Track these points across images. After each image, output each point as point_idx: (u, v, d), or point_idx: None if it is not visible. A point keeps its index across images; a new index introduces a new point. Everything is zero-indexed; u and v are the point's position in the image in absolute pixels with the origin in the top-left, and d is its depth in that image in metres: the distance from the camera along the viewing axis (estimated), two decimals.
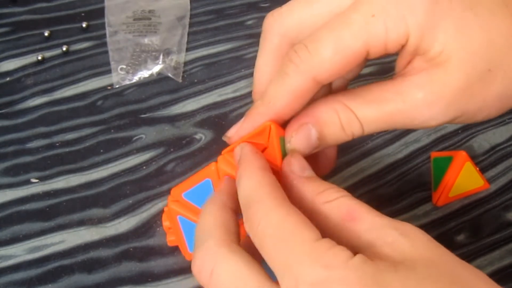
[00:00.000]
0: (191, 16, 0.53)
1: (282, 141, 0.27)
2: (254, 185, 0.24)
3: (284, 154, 0.27)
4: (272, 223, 0.22)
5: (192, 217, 0.32)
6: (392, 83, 0.25)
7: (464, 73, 0.23)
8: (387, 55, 0.25)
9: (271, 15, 0.28)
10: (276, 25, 0.27)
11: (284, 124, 0.27)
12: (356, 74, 0.29)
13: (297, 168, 0.25)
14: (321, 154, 0.30)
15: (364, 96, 0.25)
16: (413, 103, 0.24)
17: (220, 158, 0.29)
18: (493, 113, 0.25)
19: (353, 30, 0.23)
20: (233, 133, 0.28)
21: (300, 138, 0.26)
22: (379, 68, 0.49)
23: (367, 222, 0.22)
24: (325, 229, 0.22)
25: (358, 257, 0.20)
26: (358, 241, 0.21)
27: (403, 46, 0.24)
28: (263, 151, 0.27)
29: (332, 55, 0.24)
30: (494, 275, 0.39)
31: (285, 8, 0.27)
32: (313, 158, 0.28)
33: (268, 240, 0.21)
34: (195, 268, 0.23)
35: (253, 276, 0.22)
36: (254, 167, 0.25)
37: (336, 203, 0.23)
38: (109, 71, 0.48)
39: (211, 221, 0.24)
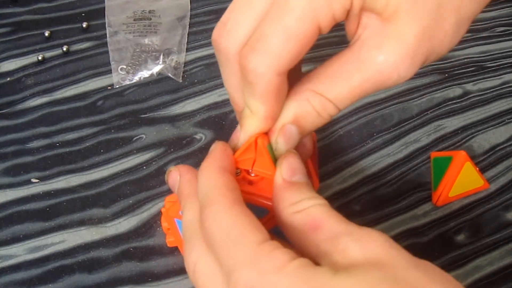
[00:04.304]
0: (191, 16, 0.53)
1: (270, 148, 0.27)
2: (209, 185, 0.24)
3: (275, 160, 0.27)
4: (222, 226, 0.22)
5: None
6: (351, 52, 0.24)
7: (416, 20, 0.23)
8: (337, 25, 0.25)
9: (219, 36, 0.26)
10: (231, 46, 0.26)
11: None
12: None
13: (286, 172, 0.25)
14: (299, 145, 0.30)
15: (328, 75, 0.25)
16: (377, 68, 0.24)
17: None
18: (454, 43, 0.25)
19: (297, 14, 0.23)
20: (234, 144, 0.28)
21: (283, 141, 0.26)
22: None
23: (327, 231, 0.22)
24: (293, 239, 0.23)
25: (298, 261, 0.20)
26: (317, 251, 0.21)
27: (348, 11, 0.24)
28: (252, 164, 0.27)
29: (284, 46, 0.23)
30: (494, 275, 0.39)
31: (229, 22, 0.26)
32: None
33: (217, 244, 0.22)
34: (185, 264, 0.24)
35: (221, 276, 0.22)
36: (214, 166, 0.25)
37: (304, 213, 0.23)
38: (109, 71, 0.48)
39: (194, 218, 0.25)
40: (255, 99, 0.25)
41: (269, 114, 0.26)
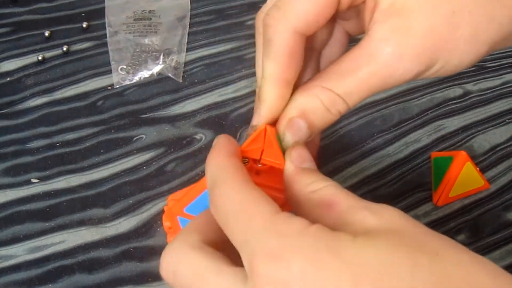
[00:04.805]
0: (191, 16, 0.53)
1: (279, 138, 0.27)
2: (218, 168, 0.24)
3: (283, 151, 0.27)
4: (234, 202, 0.22)
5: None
6: (360, 48, 0.25)
7: (426, 17, 0.23)
8: (359, 3, 0.26)
9: (260, 12, 0.28)
10: (263, 14, 0.27)
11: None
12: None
13: (296, 159, 0.25)
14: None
15: (337, 71, 0.25)
16: (384, 60, 0.24)
17: None
18: (466, 59, 0.25)
19: None
20: (257, 120, 0.28)
21: (292, 134, 0.26)
22: None
23: (344, 206, 0.22)
24: (310, 217, 0.23)
25: (317, 226, 0.20)
26: (336, 223, 0.22)
27: None
28: (261, 153, 0.27)
29: (304, 4, 0.24)
30: None
31: (269, 1, 0.27)
32: None
33: (230, 218, 0.22)
34: (161, 270, 0.23)
35: (212, 266, 0.22)
36: (220, 152, 0.25)
37: (319, 192, 0.23)
38: (109, 71, 0.48)
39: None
40: (270, 58, 0.26)
41: (281, 77, 0.26)
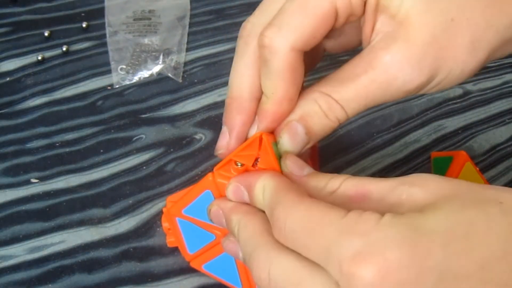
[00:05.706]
0: (191, 16, 0.53)
1: (275, 146, 0.27)
2: (270, 192, 0.24)
3: (279, 159, 0.27)
4: (297, 219, 0.22)
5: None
6: (361, 56, 0.25)
7: (426, 26, 0.23)
8: (354, 20, 0.25)
9: (247, 21, 0.27)
10: (253, 29, 0.27)
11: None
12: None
13: (295, 169, 0.25)
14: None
15: (337, 78, 0.25)
16: (383, 68, 0.24)
17: (215, 174, 0.29)
18: (467, 67, 0.25)
19: None
20: (252, 131, 0.28)
21: (288, 137, 0.26)
22: None
23: (376, 192, 0.22)
24: None
25: (387, 215, 0.20)
26: (378, 211, 0.21)
27: (365, 2, 0.24)
28: (255, 161, 0.27)
29: (301, 20, 0.24)
30: None
31: (258, 11, 0.27)
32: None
33: (299, 236, 0.22)
34: (255, 278, 0.24)
35: (306, 271, 0.22)
36: (266, 177, 0.25)
37: (341, 189, 0.23)
38: (109, 71, 0.48)
39: (255, 231, 0.25)
40: (270, 79, 0.25)
41: (284, 95, 0.26)
